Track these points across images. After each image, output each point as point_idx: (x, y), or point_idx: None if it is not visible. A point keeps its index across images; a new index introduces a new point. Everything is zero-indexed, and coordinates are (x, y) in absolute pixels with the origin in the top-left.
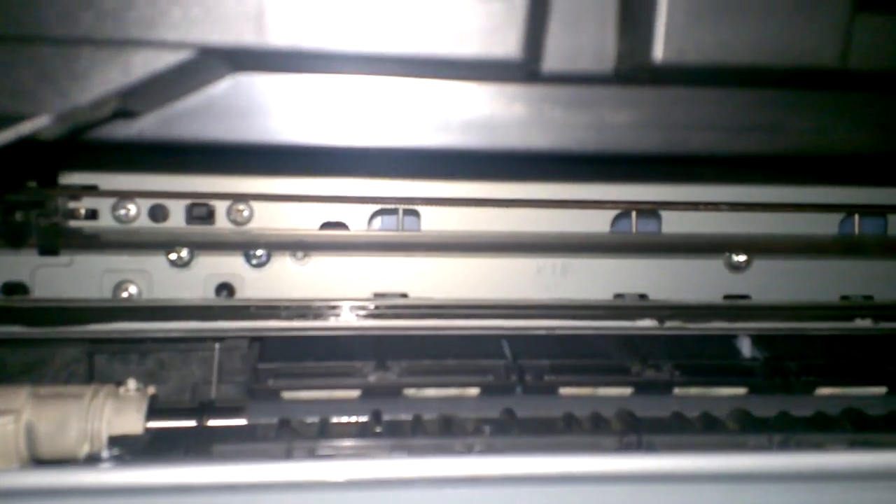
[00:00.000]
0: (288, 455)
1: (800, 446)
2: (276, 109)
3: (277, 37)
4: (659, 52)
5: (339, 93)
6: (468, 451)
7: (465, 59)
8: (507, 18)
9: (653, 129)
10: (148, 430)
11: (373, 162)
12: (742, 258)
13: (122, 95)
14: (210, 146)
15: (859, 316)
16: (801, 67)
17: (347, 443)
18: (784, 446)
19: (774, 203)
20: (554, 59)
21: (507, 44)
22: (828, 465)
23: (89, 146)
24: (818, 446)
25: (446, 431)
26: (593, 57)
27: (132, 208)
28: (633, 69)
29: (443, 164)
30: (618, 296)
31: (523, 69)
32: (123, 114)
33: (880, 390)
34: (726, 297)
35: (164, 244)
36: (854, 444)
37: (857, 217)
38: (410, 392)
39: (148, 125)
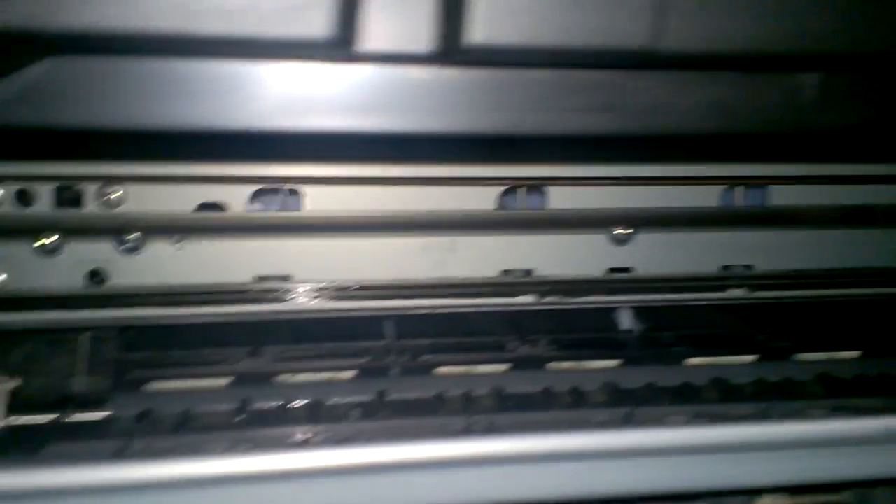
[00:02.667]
0: (119, 454)
1: (644, 420)
2: (95, 93)
3: (95, 19)
4: (474, 34)
5: (158, 76)
6: (334, 438)
7: (275, 39)
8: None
9: (475, 110)
10: (8, 425)
11: (244, 145)
12: (625, 231)
13: None
14: (30, 129)
15: (735, 286)
16: (613, 49)
17: (206, 435)
18: (627, 420)
19: (657, 177)
20: (372, 40)
21: (315, 23)
22: (660, 440)
23: None
24: (659, 421)
25: (313, 418)
26: (412, 38)
27: None
28: (451, 50)
29: (312, 145)
30: (505, 272)
31: (335, 49)
32: None
33: (750, 359)
34: (610, 270)
35: (31, 230)
36: (712, 417)
37: (737, 189)
38: (282, 378)
39: None
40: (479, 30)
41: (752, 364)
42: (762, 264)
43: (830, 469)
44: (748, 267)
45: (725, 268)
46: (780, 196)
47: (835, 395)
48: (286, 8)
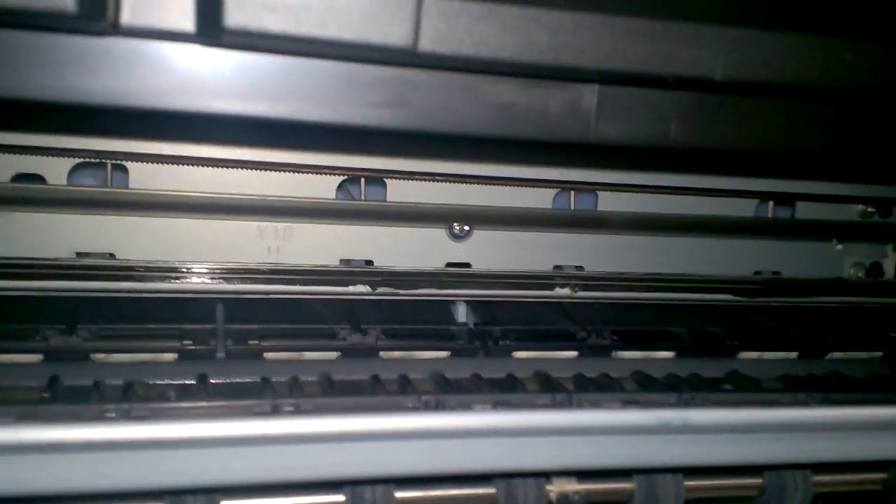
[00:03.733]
0: None
1: (458, 407)
2: None
3: None
4: (229, 17)
5: None
6: (147, 417)
7: (16, 10)
8: None
9: (254, 97)
10: None
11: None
12: (463, 227)
13: None
14: None
15: (559, 285)
16: (370, 46)
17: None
18: (439, 406)
19: (494, 176)
20: (132, 14)
21: None
22: (461, 423)
23: None
24: (467, 407)
25: (125, 397)
26: (174, 14)
27: None
28: (210, 30)
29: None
30: (344, 261)
31: (82, 21)
32: None
33: (571, 354)
34: (448, 264)
35: None
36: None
37: (572, 193)
38: (98, 357)
39: None
40: (236, 14)
41: (574, 360)
42: (591, 266)
43: (622, 456)
44: (579, 268)
45: (557, 267)
46: (609, 202)
47: (647, 390)
48: None
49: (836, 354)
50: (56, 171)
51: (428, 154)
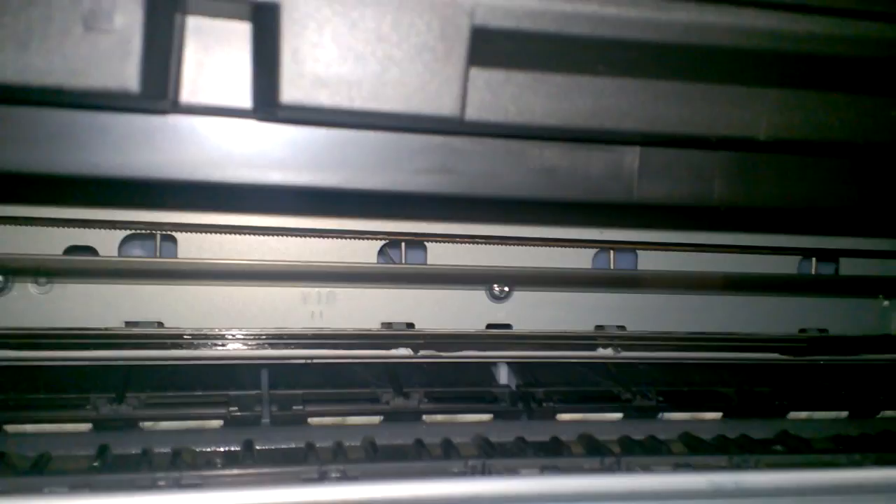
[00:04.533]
0: None
1: (503, 471)
2: None
3: None
4: (284, 93)
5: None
6: (197, 485)
7: (83, 91)
8: (120, 52)
9: (306, 167)
10: None
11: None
12: (503, 289)
13: None
14: None
15: (602, 346)
16: (420, 117)
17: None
18: (484, 471)
19: (532, 238)
20: (191, 92)
21: (122, 77)
22: (527, 489)
23: None
24: (514, 471)
25: (174, 465)
26: (230, 93)
27: None
28: (266, 107)
29: (183, 193)
30: (385, 325)
31: (144, 101)
32: None
33: (616, 416)
34: (489, 325)
35: None
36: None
37: (612, 252)
38: (147, 425)
39: None
40: (291, 90)
41: (620, 422)
42: (633, 325)
43: None
44: (621, 327)
45: (598, 327)
46: (648, 261)
47: (694, 453)
48: (91, 62)
49: (888, 413)
50: (107, 243)
51: (467, 217)
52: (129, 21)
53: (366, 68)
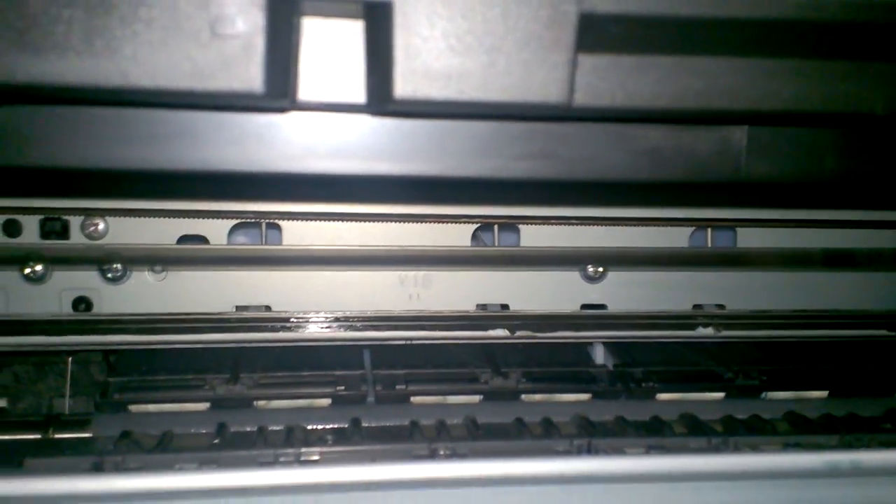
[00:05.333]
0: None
1: (608, 450)
2: (75, 136)
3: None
4: (398, 88)
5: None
6: (308, 460)
7: (210, 93)
8: (245, 56)
9: (412, 157)
10: None
11: (223, 184)
12: (597, 269)
13: None
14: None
15: (702, 325)
16: (529, 105)
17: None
18: (590, 450)
19: (627, 217)
20: (308, 90)
21: (247, 79)
22: (626, 469)
23: None
24: (618, 450)
25: (288, 441)
26: (346, 89)
27: None
28: (380, 102)
29: (289, 186)
30: (480, 306)
31: (267, 100)
32: None
33: (718, 396)
34: (583, 306)
35: (18, 259)
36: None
37: (709, 231)
38: (260, 404)
39: None
40: (404, 85)
41: (721, 401)
42: (733, 304)
43: (788, 501)
44: (720, 306)
45: (696, 307)
46: (747, 238)
47: (801, 432)
48: (218, 65)
49: None
50: (217, 232)
51: (563, 200)
52: (252, 26)
53: (475, 60)
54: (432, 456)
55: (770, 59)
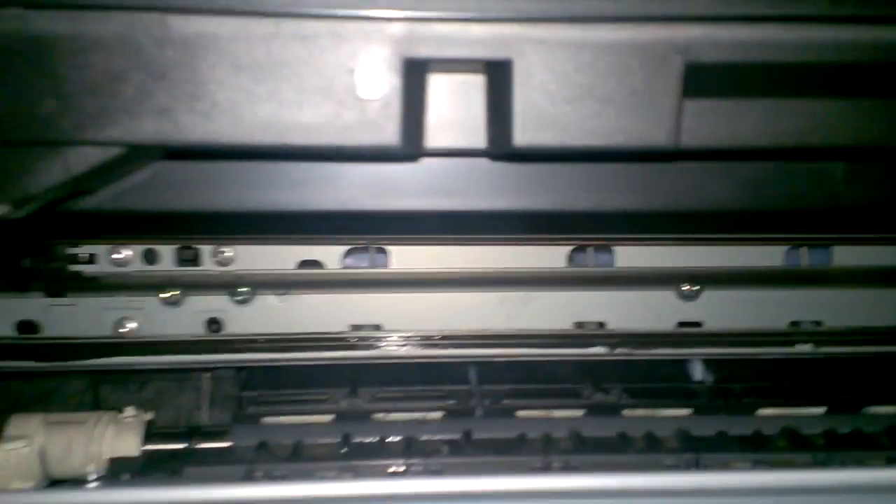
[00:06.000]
0: (247, 476)
1: (711, 465)
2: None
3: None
4: (517, 136)
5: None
6: (426, 471)
7: (354, 147)
8: (384, 115)
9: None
10: (143, 452)
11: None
12: (692, 288)
13: (72, 181)
14: (147, 215)
15: (801, 341)
16: (639, 148)
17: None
18: (697, 465)
19: (721, 237)
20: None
21: (386, 135)
22: (730, 483)
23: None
24: (726, 465)
25: (407, 452)
26: (469, 139)
27: (127, 252)
28: (500, 149)
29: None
30: (578, 324)
31: (402, 152)
32: (81, 191)
33: (819, 411)
34: (680, 324)
35: (157, 285)
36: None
37: (804, 249)
38: (378, 416)
39: (102, 199)
40: (523, 133)
41: (822, 416)
42: (831, 321)
43: None
44: (817, 323)
45: (794, 324)
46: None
47: None
48: (364, 124)
49: None
50: (330, 257)
51: (663, 229)
52: (390, 89)
53: (587, 109)
54: (546, 469)
55: (863, 99)
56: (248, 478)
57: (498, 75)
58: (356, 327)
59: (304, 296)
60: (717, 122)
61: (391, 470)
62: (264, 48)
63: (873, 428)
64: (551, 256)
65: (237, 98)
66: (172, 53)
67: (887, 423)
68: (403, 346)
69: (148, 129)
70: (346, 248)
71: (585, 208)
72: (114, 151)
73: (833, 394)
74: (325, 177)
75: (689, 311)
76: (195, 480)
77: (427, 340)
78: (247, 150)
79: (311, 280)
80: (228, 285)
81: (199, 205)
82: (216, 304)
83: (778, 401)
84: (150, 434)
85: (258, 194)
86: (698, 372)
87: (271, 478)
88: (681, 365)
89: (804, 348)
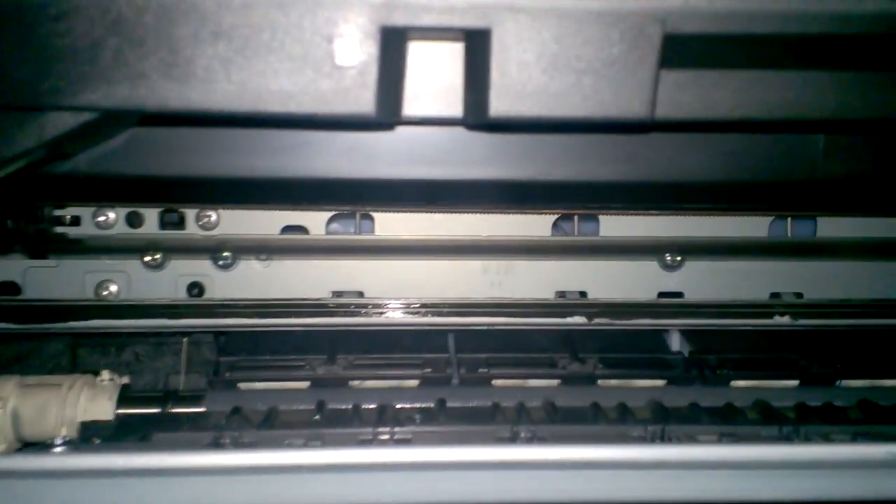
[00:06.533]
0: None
1: (679, 437)
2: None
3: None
4: (493, 106)
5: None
6: (395, 440)
7: (330, 116)
8: (360, 83)
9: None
10: (117, 416)
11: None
12: (675, 258)
13: (47, 145)
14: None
15: (779, 313)
16: (614, 119)
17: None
18: (663, 437)
19: (705, 207)
20: (412, 107)
21: (361, 104)
22: (694, 456)
23: None
24: (692, 438)
25: (380, 420)
26: (447, 108)
27: (111, 215)
28: (476, 118)
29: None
30: (559, 293)
31: (378, 120)
32: (60, 155)
33: (792, 383)
34: (660, 294)
35: (140, 248)
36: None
37: (789, 220)
38: (355, 383)
39: (79, 163)
40: (499, 103)
41: (795, 389)
42: (811, 293)
43: (849, 490)
44: (798, 295)
45: (774, 295)
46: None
47: (873, 422)
48: (339, 91)
49: None
50: (316, 223)
51: (645, 201)
52: (367, 57)
53: (564, 80)
54: (513, 439)
55: (843, 72)
56: (217, 444)
57: (476, 44)
58: (338, 293)
59: (287, 261)
60: (694, 93)
61: (361, 438)
62: (241, 15)
63: (845, 402)
64: (537, 225)
65: (213, 65)
66: (150, 19)
67: (858, 396)
68: (383, 313)
69: (123, 94)
70: (331, 213)
71: (566, 179)
72: (88, 116)
73: (807, 366)
74: (305, 144)
75: (671, 282)
76: (164, 446)
77: (408, 308)
78: (222, 117)
79: (294, 245)
80: (211, 250)
81: (178, 171)
82: (199, 268)
83: (752, 373)
84: (125, 398)
85: (237, 161)
86: (676, 343)
87: (240, 445)
88: (659, 336)
89: (782, 320)
